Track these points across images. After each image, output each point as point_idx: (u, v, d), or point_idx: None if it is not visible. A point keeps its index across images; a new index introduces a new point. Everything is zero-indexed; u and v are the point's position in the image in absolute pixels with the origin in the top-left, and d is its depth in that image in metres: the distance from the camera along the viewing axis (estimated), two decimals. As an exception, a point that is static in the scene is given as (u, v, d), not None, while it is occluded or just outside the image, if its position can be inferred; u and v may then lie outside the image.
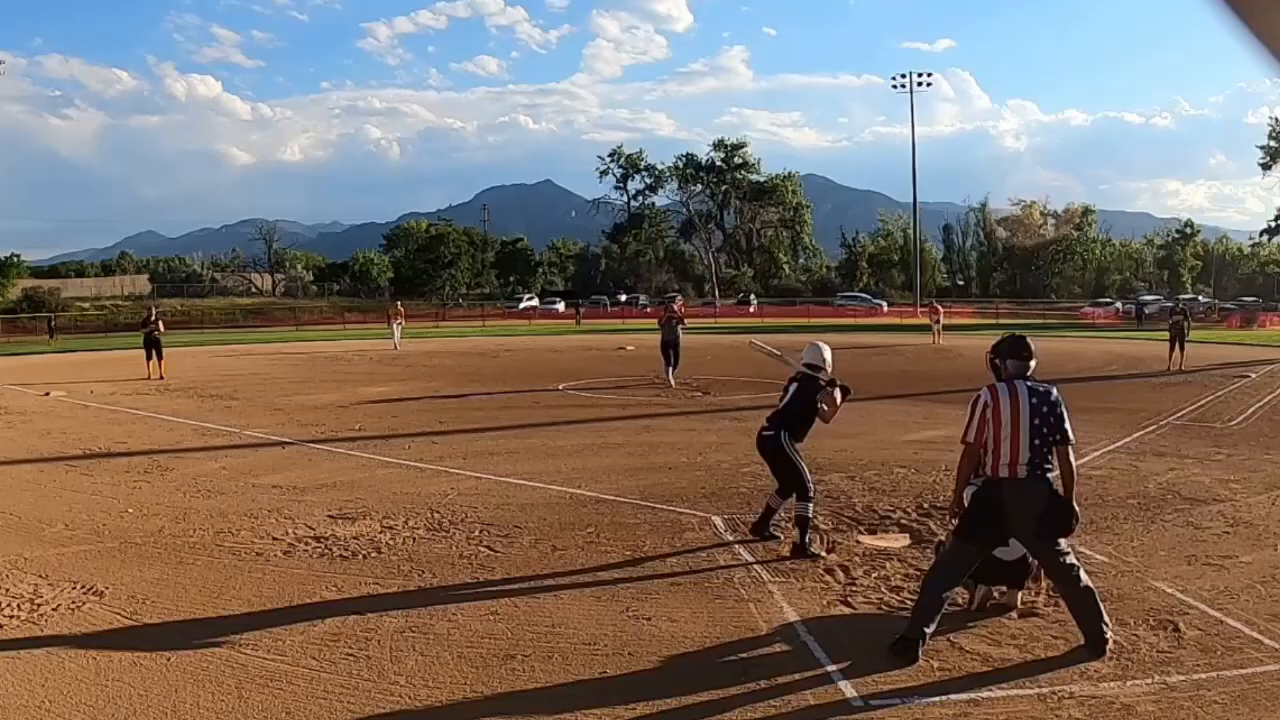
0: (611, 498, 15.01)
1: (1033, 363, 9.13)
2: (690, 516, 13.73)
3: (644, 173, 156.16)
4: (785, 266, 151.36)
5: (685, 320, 34.52)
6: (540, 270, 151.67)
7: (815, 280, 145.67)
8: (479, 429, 22.77)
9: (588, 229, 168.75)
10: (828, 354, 12.66)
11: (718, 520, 13.48)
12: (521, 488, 15.83)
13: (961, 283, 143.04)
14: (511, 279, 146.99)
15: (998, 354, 9.28)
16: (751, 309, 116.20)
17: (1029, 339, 9.31)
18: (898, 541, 12.39)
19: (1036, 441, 8.73)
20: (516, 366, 42.69)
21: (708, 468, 17.40)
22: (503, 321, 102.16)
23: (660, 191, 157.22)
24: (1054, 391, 8.96)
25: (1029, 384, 8.96)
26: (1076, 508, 8.79)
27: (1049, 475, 8.75)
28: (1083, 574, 8.86)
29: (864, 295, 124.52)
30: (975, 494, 8.99)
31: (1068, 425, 8.87)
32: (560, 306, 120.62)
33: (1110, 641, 8.62)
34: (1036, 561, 9.47)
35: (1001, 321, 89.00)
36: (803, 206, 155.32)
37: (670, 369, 32.80)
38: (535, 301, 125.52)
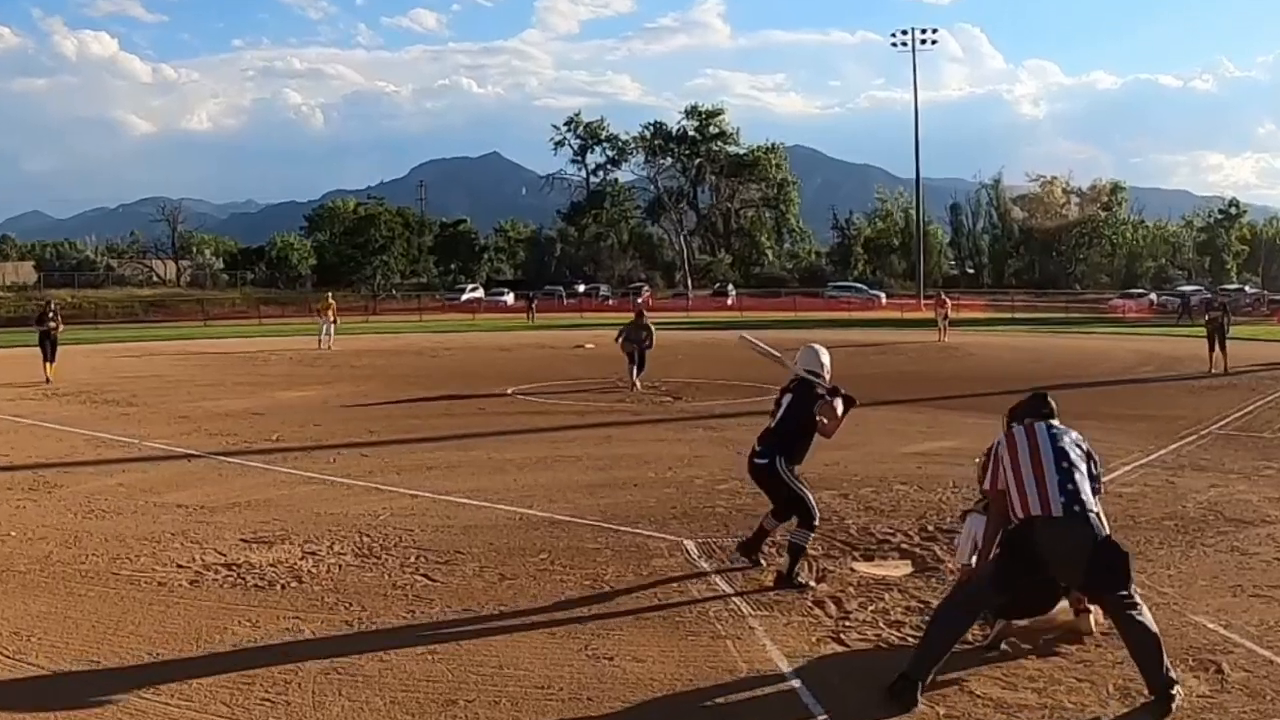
0: (568, 519, 15.00)
1: (1054, 421, 9.21)
2: (659, 541, 13.74)
3: (605, 144, 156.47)
4: (768, 252, 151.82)
5: (648, 319, 34.70)
6: (486, 256, 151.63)
7: (803, 268, 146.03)
8: (415, 439, 22.75)
9: (540, 209, 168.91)
10: (826, 358, 12.57)
11: (690, 545, 13.48)
12: (464, 507, 15.82)
13: (972, 270, 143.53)
14: (453, 266, 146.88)
15: (1015, 418, 9.38)
16: (729, 301, 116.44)
17: (1050, 397, 9.42)
18: (898, 569, 12.40)
19: (1064, 465, 8.72)
20: (458, 367, 42.73)
21: (679, 484, 17.45)
22: (442, 315, 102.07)
23: (624, 165, 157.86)
24: (1075, 431, 9.11)
25: (1046, 423, 9.09)
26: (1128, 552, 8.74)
27: (1090, 514, 8.63)
28: (1146, 615, 8.62)
29: (859, 285, 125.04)
30: (1007, 535, 8.88)
31: (1098, 465, 9.01)
32: (509, 298, 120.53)
33: (1178, 697, 8.35)
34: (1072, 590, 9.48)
35: (1018, 316, 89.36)
36: (788, 183, 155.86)
37: (635, 370, 32.97)
38: (480, 293, 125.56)
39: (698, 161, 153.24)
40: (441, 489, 17.12)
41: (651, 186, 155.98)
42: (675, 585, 11.80)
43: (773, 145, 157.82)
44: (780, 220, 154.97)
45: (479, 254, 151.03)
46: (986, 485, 9.14)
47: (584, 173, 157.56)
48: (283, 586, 11.79)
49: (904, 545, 13.37)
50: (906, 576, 12.09)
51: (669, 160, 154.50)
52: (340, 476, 18.38)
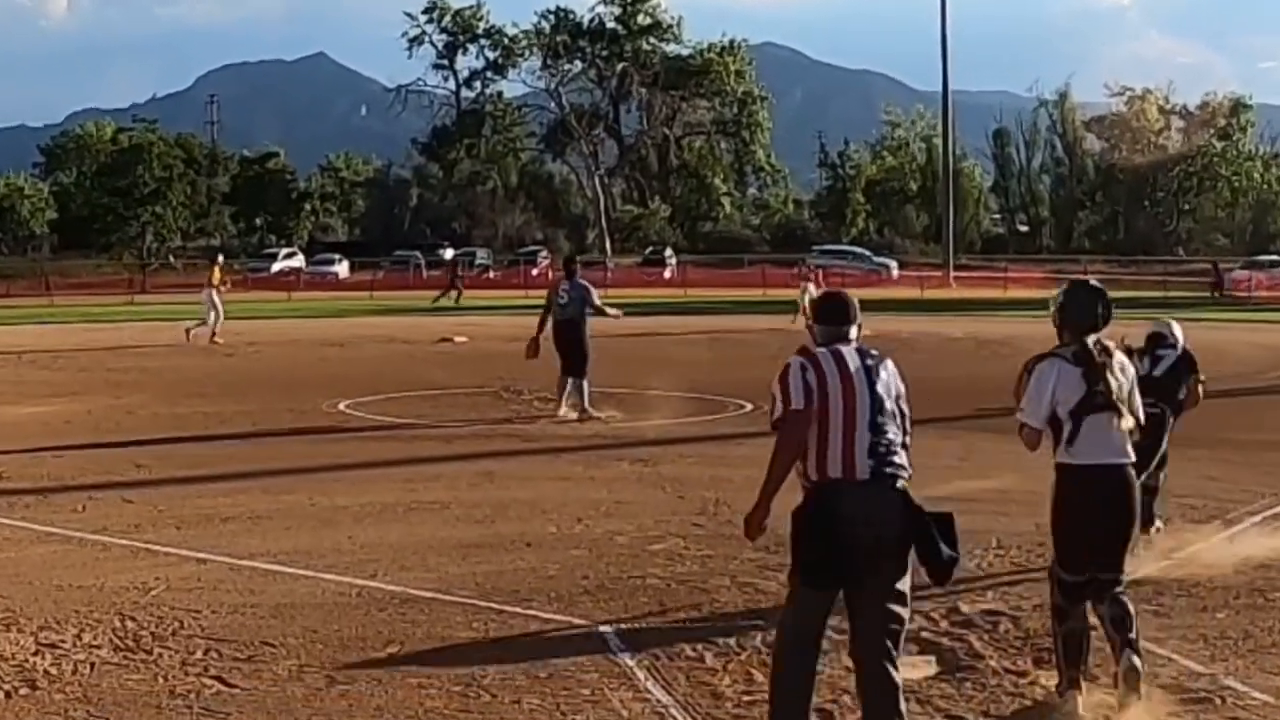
0: (428, 595, 15.01)
1: (853, 330, 9.87)
2: (562, 625, 13.80)
3: (484, 41, 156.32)
4: (724, 201, 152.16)
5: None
6: (308, 207, 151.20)
7: (775, 224, 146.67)
8: (203, 477, 22.72)
9: (388, 136, 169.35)
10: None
11: (608, 632, 13.51)
12: (276, 577, 15.82)
13: (1025, 228, 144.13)
14: (259, 222, 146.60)
15: (815, 315, 10.28)
16: (668, 273, 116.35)
17: (852, 298, 10.17)
18: (916, 670, 12.25)
19: (879, 420, 9.20)
20: (267, 371, 42.77)
21: (592, 543, 17.50)
22: (244, 295, 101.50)
23: (512, 74, 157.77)
24: (890, 361, 9.66)
25: (856, 347, 9.66)
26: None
27: (900, 481, 9.18)
28: (895, 675, 9.18)
29: (858, 250, 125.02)
30: (797, 516, 9.25)
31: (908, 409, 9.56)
32: (341, 269, 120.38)
33: None
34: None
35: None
36: (755, 99, 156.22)
37: (576, 384, 29.17)
38: (299, 260, 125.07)
39: (620, 67, 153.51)
40: (242, 550, 17.08)
41: (553, 104, 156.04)
42: (587, 691, 11.71)
43: (731, 43, 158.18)
44: (742, 154, 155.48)
45: (297, 203, 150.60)
46: (799, 402, 9.23)
47: (453, 84, 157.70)
48: (8, 694, 11.71)
49: (926, 634, 13.32)
50: (929, 680, 12.00)
51: (578, 65, 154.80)
52: (93, 532, 18.28)
